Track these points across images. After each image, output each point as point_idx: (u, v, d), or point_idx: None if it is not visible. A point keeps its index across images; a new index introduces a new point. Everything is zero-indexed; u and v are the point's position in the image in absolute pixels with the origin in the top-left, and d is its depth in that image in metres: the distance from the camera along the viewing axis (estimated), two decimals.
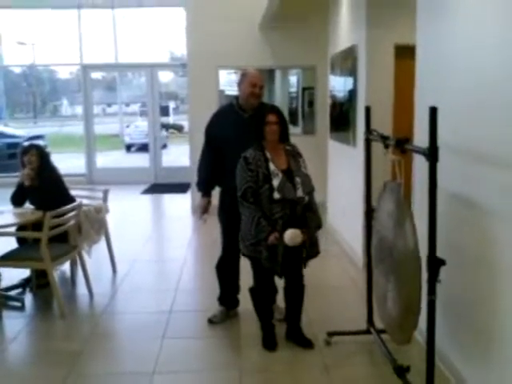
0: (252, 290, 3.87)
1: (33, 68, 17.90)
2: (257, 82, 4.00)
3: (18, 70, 19.27)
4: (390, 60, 5.24)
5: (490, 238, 2.81)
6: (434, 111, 2.57)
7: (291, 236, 3.44)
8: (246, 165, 3.58)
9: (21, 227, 4.93)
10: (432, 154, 2.58)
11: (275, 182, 3.53)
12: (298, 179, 3.60)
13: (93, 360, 3.76)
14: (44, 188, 4.95)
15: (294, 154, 3.74)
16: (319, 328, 4.04)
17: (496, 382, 2.82)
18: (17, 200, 5.07)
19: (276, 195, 3.51)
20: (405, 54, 4.91)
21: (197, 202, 4.53)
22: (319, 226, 3.74)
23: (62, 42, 12.64)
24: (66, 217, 4.64)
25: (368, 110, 3.78)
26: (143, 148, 14.01)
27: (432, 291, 2.66)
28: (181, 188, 10.42)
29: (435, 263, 2.64)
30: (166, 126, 17.84)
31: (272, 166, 3.58)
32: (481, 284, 2.96)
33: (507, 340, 2.70)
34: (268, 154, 3.62)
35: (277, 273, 3.66)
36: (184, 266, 5.81)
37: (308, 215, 3.63)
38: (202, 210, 4.28)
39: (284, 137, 3.75)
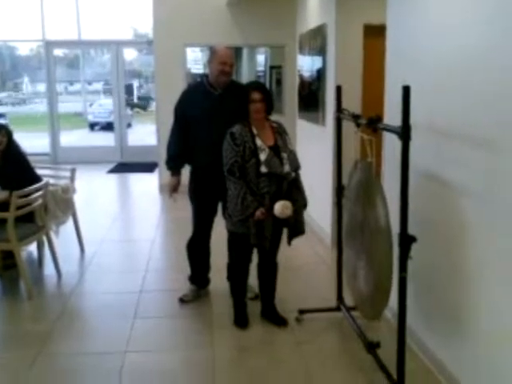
0: (229, 266, 3.89)
1: None
2: (227, 60, 3.97)
3: None
4: (359, 39, 5.25)
5: (460, 216, 2.87)
6: (406, 90, 2.58)
7: (281, 208, 3.44)
8: (232, 140, 3.55)
9: None
10: (405, 132, 2.61)
11: (262, 157, 3.52)
12: (284, 155, 3.60)
13: (63, 340, 3.72)
14: (10, 167, 4.84)
15: (281, 132, 3.73)
16: (290, 306, 4.08)
17: (465, 358, 2.90)
18: None
19: (263, 169, 3.50)
20: (374, 33, 4.93)
21: (166, 180, 4.49)
22: (305, 205, 3.75)
23: (23, 17, 12.29)
24: (32, 196, 4.55)
25: (339, 89, 3.79)
26: (107, 127, 13.81)
27: (403, 268, 2.70)
28: (148, 167, 10.33)
29: (406, 240, 2.68)
30: (130, 105, 17.60)
31: (259, 141, 3.57)
32: (451, 262, 3.02)
33: (478, 317, 2.77)
34: (254, 130, 3.60)
35: (264, 248, 3.64)
36: (153, 246, 5.79)
37: (294, 192, 3.64)
38: (172, 189, 4.25)
39: (269, 112, 3.72)
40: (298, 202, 3.63)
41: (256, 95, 3.59)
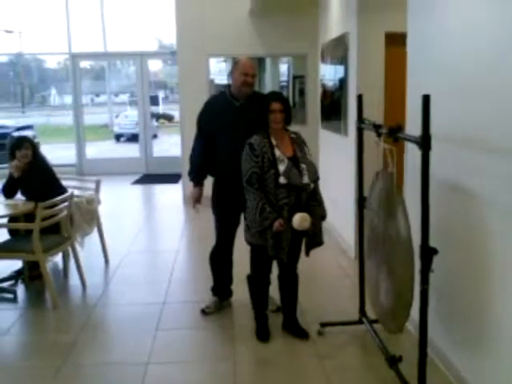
0: (250, 278, 3.87)
1: (20, 57, 17.73)
2: (249, 71, 3.97)
3: (4, 59, 19.07)
4: (381, 48, 5.23)
5: (482, 227, 2.82)
6: (426, 99, 2.56)
7: (300, 220, 3.42)
8: (251, 151, 3.55)
9: (13, 218, 4.91)
10: (425, 142, 2.58)
11: (281, 167, 3.50)
12: (303, 166, 3.58)
13: (86, 351, 3.75)
14: (35, 179, 4.93)
15: (299, 142, 3.72)
16: (312, 318, 4.06)
17: (488, 371, 2.84)
18: (8, 191, 5.04)
19: (282, 180, 3.49)
20: (395, 41, 4.90)
21: (189, 191, 4.51)
22: (323, 216, 3.73)
23: (50, 30, 12.52)
24: (57, 208, 4.61)
25: (360, 98, 3.77)
26: (133, 138, 13.97)
27: (425, 281, 2.66)
28: (172, 178, 10.39)
29: (428, 252, 2.64)
30: (155, 116, 17.77)
31: (278, 152, 3.55)
32: (473, 273, 2.97)
33: (499, 330, 2.72)
34: (273, 141, 3.60)
35: (282, 260, 3.63)
36: (177, 257, 5.81)
37: (313, 204, 3.62)
38: (195, 200, 4.26)
39: (288, 123, 3.71)
40: (316, 213, 3.61)
41: (276, 105, 3.58)
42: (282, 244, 3.51)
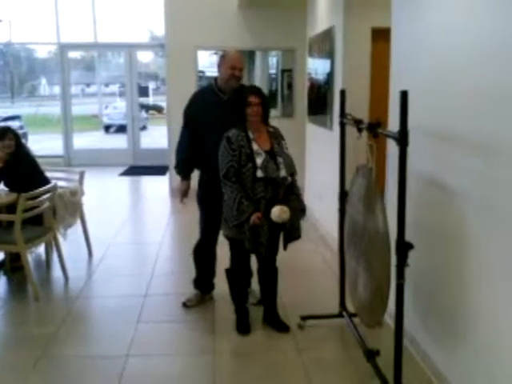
0: (228, 272, 3.88)
1: (9, 46, 17.57)
2: (237, 65, 3.96)
3: None
4: (367, 43, 5.22)
5: (459, 221, 2.84)
6: (404, 95, 2.56)
7: (279, 212, 3.43)
8: (228, 144, 3.55)
9: None
10: (402, 138, 2.59)
11: (258, 161, 3.51)
12: (280, 159, 3.58)
13: (66, 343, 3.75)
14: (18, 170, 4.90)
15: (277, 136, 3.73)
16: (293, 311, 4.07)
17: (464, 364, 2.87)
18: None
19: (259, 173, 3.49)
20: (382, 37, 4.88)
21: (176, 185, 4.48)
22: (303, 209, 3.74)
23: (40, 20, 12.41)
24: (40, 199, 4.59)
25: (343, 93, 3.77)
26: (122, 129, 13.89)
27: (401, 275, 2.68)
28: (159, 170, 10.36)
29: (404, 247, 2.66)
30: (145, 107, 17.67)
31: (255, 146, 3.56)
32: (450, 268, 2.99)
33: (475, 322, 2.74)
34: (251, 134, 3.60)
35: (260, 254, 3.65)
36: (160, 250, 5.80)
37: (290, 198, 3.63)
38: (182, 194, 4.24)
39: (265, 118, 3.72)
40: (294, 207, 3.61)
41: (253, 98, 3.59)
42: (259, 238, 3.52)
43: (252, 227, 3.48)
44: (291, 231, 3.67)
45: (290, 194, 3.64)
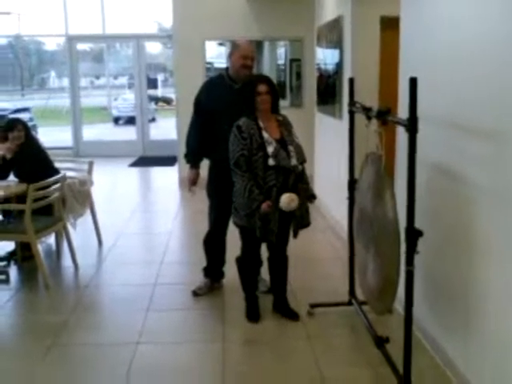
0: (239, 260, 3.88)
1: (19, 39, 17.63)
2: (248, 54, 3.96)
3: (3, 41, 18.95)
4: (376, 31, 5.18)
5: (470, 210, 2.83)
6: (413, 82, 2.55)
7: (287, 200, 3.43)
8: (239, 133, 3.55)
9: (5, 200, 4.91)
10: (411, 125, 2.57)
11: (269, 150, 3.51)
12: (291, 148, 3.58)
13: (76, 331, 3.77)
14: (28, 160, 4.93)
15: (286, 125, 3.72)
16: (303, 299, 4.08)
17: (474, 351, 2.86)
18: (0, 173, 5.04)
19: (271, 162, 3.49)
20: (391, 25, 4.85)
21: (186, 174, 4.49)
22: (313, 196, 3.74)
23: (48, 12, 12.42)
24: (49, 189, 4.62)
25: (351, 81, 3.76)
26: (131, 121, 13.92)
27: (410, 262, 2.67)
28: (168, 161, 10.37)
29: (413, 234, 2.65)
30: (154, 99, 17.68)
31: (266, 134, 3.56)
32: (459, 254, 2.98)
33: (485, 309, 2.73)
34: (261, 123, 3.60)
35: (271, 242, 3.65)
36: (170, 239, 5.82)
37: (300, 186, 3.63)
38: (191, 183, 4.25)
39: (275, 107, 3.71)
40: (304, 194, 3.62)
41: (262, 87, 3.58)
42: (270, 226, 3.52)
43: (263, 215, 3.48)
44: (302, 219, 3.67)
45: (301, 182, 3.64)
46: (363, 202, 3.42)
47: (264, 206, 3.45)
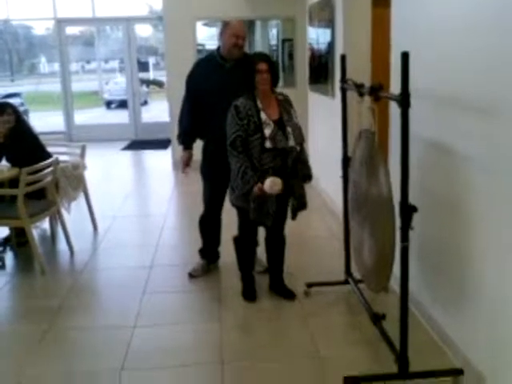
0: (236, 240, 3.88)
1: (8, 24, 17.40)
2: (239, 33, 3.93)
3: None
4: (367, 9, 5.14)
5: (464, 184, 2.82)
6: (405, 56, 2.53)
7: (270, 184, 3.39)
8: (236, 114, 3.50)
9: None
10: (404, 100, 2.55)
11: (267, 131, 3.47)
12: (289, 129, 3.54)
13: (73, 315, 3.77)
14: (19, 144, 4.88)
15: (286, 105, 3.67)
16: (299, 279, 4.08)
17: (469, 326, 2.88)
18: None
19: (268, 144, 3.46)
20: (382, 2, 4.81)
21: (179, 156, 4.46)
22: (309, 175, 3.71)
23: None
24: (42, 173, 4.58)
25: (343, 58, 3.72)
26: (123, 104, 13.82)
27: (405, 238, 2.67)
28: (161, 144, 10.33)
29: (407, 210, 2.64)
30: (146, 82, 17.58)
31: (263, 116, 3.51)
32: (454, 230, 2.98)
33: (480, 285, 2.74)
34: (259, 104, 3.54)
35: (266, 225, 3.65)
36: (165, 222, 5.81)
37: (299, 167, 3.61)
38: (184, 164, 4.24)
39: (275, 83, 3.66)
40: (302, 174, 3.62)
41: (262, 66, 3.52)
42: (266, 209, 3.50)
43: (258, 198, 3.46)
44: (300, 199, 3.65)
45: (299, 163, 3.62)
46: (357, 179, 3.41)
47: (256, 189, 3.42)
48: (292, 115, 3.65)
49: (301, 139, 3.62)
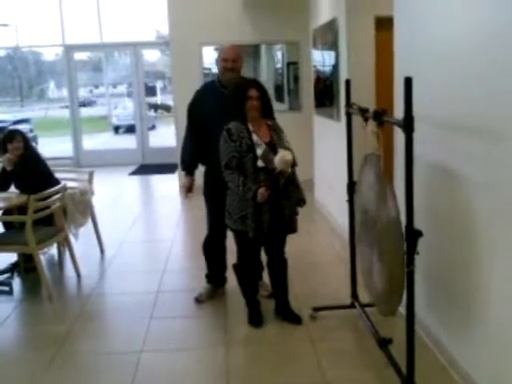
0: (236, 267, 3.89)
1: (18, 50, 17.66)
2: (228, 57, 3.97)
3: (2, 53, 18.98)
4: (371, 32, 5.19)
5: (470, 207, 2.82)
6: (408, 81, 2.55)
7: (280, 159, 3.44)
8: (228, 136, 3.58)
9: (7, 212, 4.92)
10: (407, 124, 2.57)
11: (259, 151, 3.55)
12: (281, 151, 3.57)
13: (80, 340, 3.77)
14: (28, 172, 4.93)
15: (276, 129, 3.74)
16: (305, 303, 4.07)
17: (477, 350, 2.85)
18: (1, 185, 5.04)
19: (260, 163, 3.52)
20: (385, 25, 4.85)
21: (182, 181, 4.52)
22: (303, 200, 3.74)
23: (46, 22, 12.43)
24: (50, 199, 4.62)
25: (348, 82, 3.76)
26: (131, 129, 13.94)
27: (410, 262, 2.67)
28: (168, 168, 10.37)
29: (413, 235, 2.64)
30: (154, 107, 17.72)
31: (255, 137, 3.59)
32: (461, 253, 2.97)
33: (487, 308, 2.73)
34: (251, 127, 3.62)
35: (261, 242, 3.69)
36: (172, 247, 5.82)
37: (290, 189, 3.64)
38: (186, 189, 4.28)
39: (267, 112, 3.73)
40: (294, 198, 3.66)
41: (253, 92, 3.61)
42: (262, 225, 3.55)
43: (256, 217, 3.50)
44: (290, 222, 3.70)
45: (291, 185, 3.66)
46: (364, 203, 3.41)
47: (261, 191, 3.45)
48: (283, 139, 3.70)
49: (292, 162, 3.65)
